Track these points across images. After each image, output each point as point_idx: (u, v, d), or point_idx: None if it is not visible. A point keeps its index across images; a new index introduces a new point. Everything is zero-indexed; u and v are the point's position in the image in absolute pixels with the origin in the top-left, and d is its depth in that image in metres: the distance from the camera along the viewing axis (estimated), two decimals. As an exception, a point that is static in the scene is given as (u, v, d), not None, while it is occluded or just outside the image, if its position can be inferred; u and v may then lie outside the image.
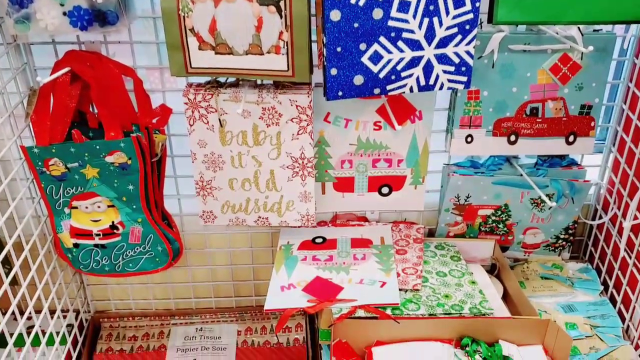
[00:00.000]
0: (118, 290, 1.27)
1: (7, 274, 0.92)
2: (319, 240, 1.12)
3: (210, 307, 1.30)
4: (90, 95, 0.96)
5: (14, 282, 0.96)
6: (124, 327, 1.27)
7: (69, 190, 1.01)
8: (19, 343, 0.96)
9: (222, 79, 1.01)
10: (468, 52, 0.88)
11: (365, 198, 1.12)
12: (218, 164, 1.04)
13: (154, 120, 1.02)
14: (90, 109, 1.02)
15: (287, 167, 1.04)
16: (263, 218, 1.09)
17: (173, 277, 1.26)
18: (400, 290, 0.97)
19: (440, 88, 0.91)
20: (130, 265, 1.08)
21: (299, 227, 1.10)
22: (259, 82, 1.01)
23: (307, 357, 1.18)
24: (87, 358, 1.20)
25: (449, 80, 0.90)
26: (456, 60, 0.89)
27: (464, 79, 0.90)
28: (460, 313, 0.93)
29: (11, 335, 0.93)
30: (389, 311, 0.92)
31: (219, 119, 1.00)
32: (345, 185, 1.11)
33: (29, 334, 1.00)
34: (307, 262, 1.06)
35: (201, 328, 1.26)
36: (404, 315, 0.92)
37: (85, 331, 1.24)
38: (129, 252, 1.07)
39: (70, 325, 1.18)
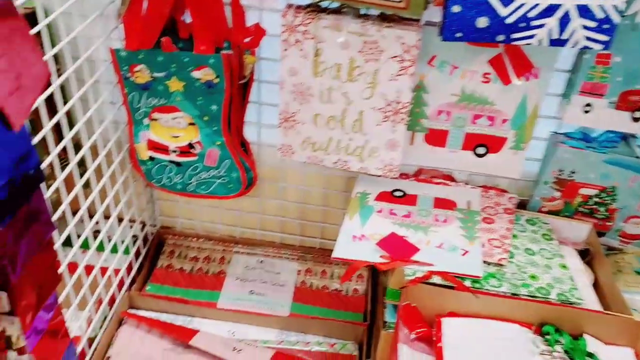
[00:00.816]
0: (186, 209, 1.25)
1: (80, 176, 0.91)
2: (398, 194, 1.05)
3: (274, 242, 1.27)
4: (185, 2, 0.90)
5: (86, 185, 0.95)
6: (187, 247, 1.26)
7: (151, 100, 0.97)
8: (84, 245, 0.95)
9: (324, 4, 0.92)
10: (616, 8, 0.75)
11: (457, 156, 1.03)
12: (305, 96, 0.98)
13: (247, 40, 0.95)
14: (183, 18, 0.96)
15: (379, 109, 0.95)
16: (342, 161, 1.02)
17: (242, 205, 1.23)
18: (483, 262, 0.89)
19: (574, 45, 0.79)
20: (203, 187, 1.05)
21: (378, 176, 1.03)
22: (362, 11, 0.92)
23: (365, 309, 1.13)
24: (147, 270, 1.20)
25: (587, 38, 0.78)
26: (600, 15, 0.76)
27: (605, 38, 0.78)
28: (547, 298, 0.84)
29: (78, 236, 0.93)
30: (467, 283, 0.85)
31: (315, 47, 0.92)
32: (437, 138, 1.02)
33: (95, 238, 1.00)
34: (383, 214, 0.99)
35: (262, 261, 1.23)
36: (484, 290, 0.84)
37: (149, 244, 1.24)
38: (203, 174, 1.03)
39: (135, 236, 1.18)
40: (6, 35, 0.63)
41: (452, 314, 0.84)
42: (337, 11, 0.92)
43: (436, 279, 0.85)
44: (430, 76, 0.97)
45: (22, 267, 0.70)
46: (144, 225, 1.22)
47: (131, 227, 1.15)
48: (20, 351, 0.71)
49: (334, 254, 0.89)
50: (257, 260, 1.24)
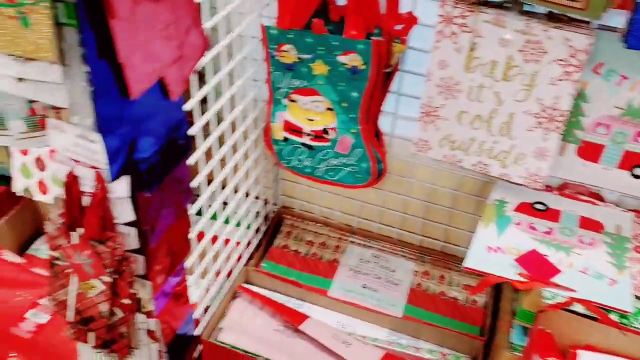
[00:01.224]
0: (307, 192, 1.24)
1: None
2: (539, 207, 0.97)
3: (391, 237, 1.23)
4: (341, -16, 0.88)
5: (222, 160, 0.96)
6: (303, 229, 1.25)
7: (293, 81, 0.96)
8: (212, 217, 0.97)
9: (488, -4, 0.86)
10: None
11: (611, 174, 0.93)
12: (452, 92, 0.92)
13: (398, 27, 0.92)
14: (335, 0, 0.94)
15: (532, 114, 0.88)
16: (482, 164, 0.96)
17: (364, 195, 1.20)
18: (634, 296, 0.80)
19: None
20: (330, 173, 1.03)
21: (520, 184, 0.96)
22: (526, 8, 0.85)
23: (483, 323, 1.07)
24: (264, 248, 1.21)
25: None
26: None
27: None
28: None
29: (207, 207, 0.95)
30: (613, 316, 0.77)
31: (472, 42, 0.87)
32: (591, 152, 0.93)
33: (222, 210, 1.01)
34: (522, 227, 0.92)
35: (378, 255, 1.20)
36: (632, 328, 0.76)
37: (268, 222, 1.25)
38: (333, 161, 1.01)
39: (257, 213, 1.19)
40: (173, 3, 0.63)
41: (590, 348, 0.77)
42: (499, 5, 0.86)
43: (577, 307, 0.77)
44: (593, 84, 0.88)
45: (161, 233, 0.72)
46: (266, 202, 1.23)
47: (255, 203, 1.16)
48: (149, 315, 0.73)
49: (466, 264, 0.84)
50: (372, 253, 1.21)
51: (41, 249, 1.24)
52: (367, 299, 1.11)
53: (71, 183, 0.63)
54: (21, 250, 1.23)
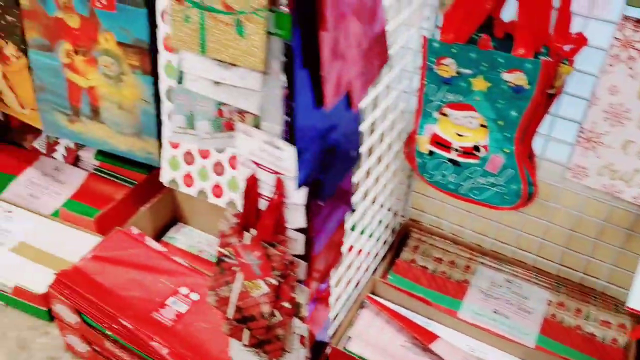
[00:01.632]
0: (436, 207, 1.22)
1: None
2: None
3: (526, 263, 1.18)
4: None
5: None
6: (431, 245, 1.23)
7: (448, 95, 0.94)
8: (352, 228, 0.97)
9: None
10: None
11: None
12: (621, 119, 0.87)
13: (567, 48, 0.87)
14: (500, 16, 0.91)
15: None
16: (645, 197, 0.90)
17: (499, 216, 1.16)
18: None
19: None
20: (475, 192, 1.00)
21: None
22: None
23: (623, 365, 1.00)
24: (390, 260, 1.20)
25: None
26: None
27: None
28: None
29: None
30: None
31: (654, 68, 0.81)
32: None
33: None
34: (689, 270, 0.85)
35: (510, 280, 1.16)
36: None
37: (395, 234, 1.24)
38: (480, 179, 0.98)
39: (386, 224, 1.18)
40: (367, 17, 0.63)
41: None
42: (687, 29, 0.80)
43: None
44: None
45: (324, 241, 0.72)
46: (395, 214, 1.21)
47: (385, 214, 1.15)
48: (303, 320, 0.74)
49: (631, 304, 0.79)
50: (504, 277, 1.16)
51: (176, 237, 1.30)
52: (498, 324, 1.07)
53: (251, 186, 0.65)
54: (157, 237, 1.29)
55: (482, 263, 1.19)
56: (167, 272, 1.07)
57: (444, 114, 0.97)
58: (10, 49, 1.18)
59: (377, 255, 1.17)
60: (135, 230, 1.15)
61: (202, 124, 0.67)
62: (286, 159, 0.61)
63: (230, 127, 0.67)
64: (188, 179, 1.13)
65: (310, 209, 0.65)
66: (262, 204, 0.66)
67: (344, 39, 0.58)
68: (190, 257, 1.22)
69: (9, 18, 1.14)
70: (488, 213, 1.16)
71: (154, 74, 1.07)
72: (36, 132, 1.40)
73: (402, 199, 1.21)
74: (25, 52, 1.16)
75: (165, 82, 1.04)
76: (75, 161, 1.40)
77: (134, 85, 1.10)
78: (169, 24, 0.57)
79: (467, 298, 1.12)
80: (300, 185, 0.62)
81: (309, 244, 0.68)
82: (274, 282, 0.68)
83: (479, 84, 0.91)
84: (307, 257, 0.70)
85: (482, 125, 0.94)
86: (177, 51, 0.61)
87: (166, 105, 1.06)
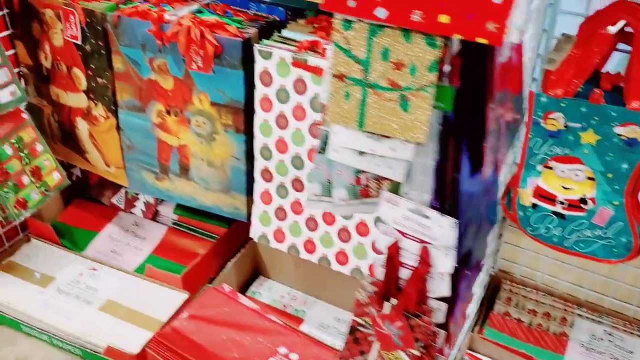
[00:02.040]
0: (528, 257, 1.19)
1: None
2: None
3: (626, 315, 1.14)
4: (632, 53, 0.84)
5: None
6: (524, 297, 1.20)
7: (554, 149, 0.93)
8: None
9: None
10: None
11: None
12: None
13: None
14: (604, 69, 0.91)
15: None
16: None
17: (593, 266, 1.13)
18: None
19: None
20: (581, 245, 0.98)
21: None
22: None
23: None
24: (483, 313, 1.17)
25: None
26: None
27: None
28: None
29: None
30: None
31: None
32: None
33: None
34: None
35: (611, 333, 1.12)
36: None
37: (486, 286, 1.21)
38: (587, 232, 0.96)
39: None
40: (516, 77, 0.63)
41: None
42: None
43: None
44: None
45: (462, 308, 0.71)
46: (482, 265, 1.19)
47: (479, 266, 1.13)
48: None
49: None
50: (604, 330, 1.13)
51: (260, 292, 1.29)
52: (606, 381, 1.03)
53: (394, 254, 0.64)
54: (241, 292, 1.28)
55: (578, 315, 1.16)
56: (263, 330, 1.06)
57: (549, 167, 0.95)
58: (99, 110, 1.21)
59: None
60: (227, 288, 1.14)
61: (339, 192, 0.67)
62: (435, 228, 0.61)
63: (365, 194, 0.67)
64: (279, 235, 1.13)
65: (458, 277, 0.64)
66: (404, 273, 0.65)
67: (500, 109, 0.57)
68: (278, 313, 1.21)
69: (100, 80, 1.17)
70: (583, 263, 1.13)
71: (246, 132, 1.08)
72: (115, 188, 1.42)
73: (493, 251, 1.19)
74: (114, 112, 1.19)
75: (261, 140, 1.05)
76: (154, 216, 1.41)
77: (226, 144, 1.11)
78: (327, 100, 0.57)
79: (569, 353, 1.09)
80: (459, 255, 0.61)
81: (449, 313, 0.67)
82: (416, 353, 0.66)
83: (588, 137, 0.89)
84: (446, 325, 0.68)
85: (590, 178, 0.92)
86: (326, 124, 0.61)
87: (260, 162, 1.07)
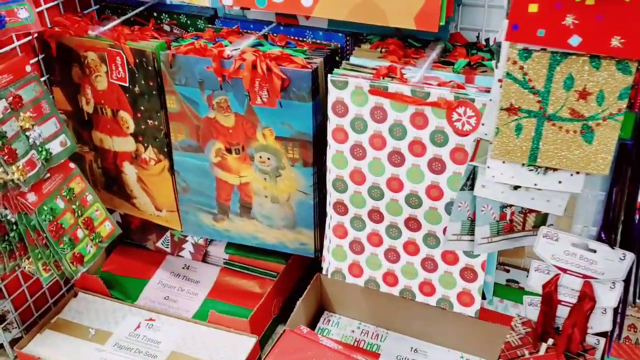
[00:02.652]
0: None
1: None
2: None
3: None
4: None
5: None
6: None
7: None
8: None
9: None
10: None
11: None
12: None
13: None
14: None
15: None
16: None
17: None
18: None
19: None
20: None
21: None
22: None
23: None
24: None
25: None
26: None
27: None
28: None
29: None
30: None
31: None
32: None
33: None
34: None
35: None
36: None
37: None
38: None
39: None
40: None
41: None
42: None
43: None
44: None
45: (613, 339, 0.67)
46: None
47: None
48: None
49: None
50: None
51: (329, 328, 1.23)
52: None
53: (552, 292, 0.60)
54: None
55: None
56: (352, 372, 1.01)
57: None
58: (149, 153, 1.15)
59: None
60: (304, 329, 1.09)
61: (481, 229, 0.63)
62: (601, 261, 0.57)
63: (509, 229, 0.63)
64: (356, 269, 1.08)
65: (621, 310, 0.60)
66: (561, 311, 0.61)
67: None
68: (356, 350, 1.16)
69: (150, 122, 1.11)
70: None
71: (314, 164, 1.04)
72: (159, 232, 1.36)
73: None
74: (166, 154, 1.13)
75: (334, 172, 1.00)
76: (204, 257, 1.35)
77: (292, 178, 1.06)
78: (495, 136, 0.53)
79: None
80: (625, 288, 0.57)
81: (609, 346, 0.63)
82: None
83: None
84: (601, 360, 0.64)
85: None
86: (480, 160, 0.57)
87: (333, 195, 1.02)
